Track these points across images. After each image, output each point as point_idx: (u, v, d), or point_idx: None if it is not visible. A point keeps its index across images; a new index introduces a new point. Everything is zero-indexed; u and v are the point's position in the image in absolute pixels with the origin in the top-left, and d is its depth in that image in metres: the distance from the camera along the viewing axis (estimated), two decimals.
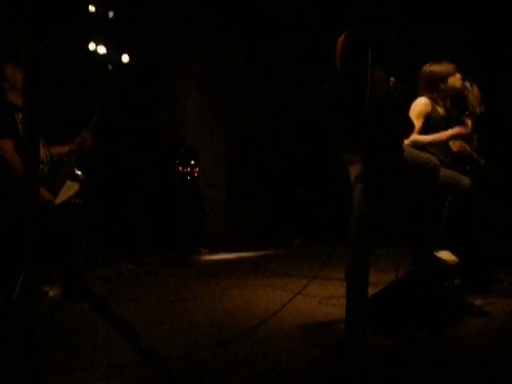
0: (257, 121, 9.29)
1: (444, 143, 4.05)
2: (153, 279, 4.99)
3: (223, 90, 8.81)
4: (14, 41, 4.10)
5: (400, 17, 6.33)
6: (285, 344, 2.79)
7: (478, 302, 3.32)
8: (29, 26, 1.51)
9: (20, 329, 1.61)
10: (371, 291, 2.98)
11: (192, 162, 7.43)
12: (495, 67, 6.32)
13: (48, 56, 4.86)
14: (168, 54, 8.20)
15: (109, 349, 2.69)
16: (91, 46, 6.53)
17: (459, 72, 4.10)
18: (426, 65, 4.11)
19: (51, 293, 4.03)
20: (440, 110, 4.06)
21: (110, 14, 6.46)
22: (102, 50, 6.60)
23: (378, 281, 3.30)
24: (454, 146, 4.18)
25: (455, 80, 4.06)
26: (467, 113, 4.04)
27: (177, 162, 7.32)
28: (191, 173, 7.42)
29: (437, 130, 3.94)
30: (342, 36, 2.88)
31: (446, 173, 3.73)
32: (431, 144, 3.90)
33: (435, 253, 3.68)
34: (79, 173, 4.20)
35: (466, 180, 3.85)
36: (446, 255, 3.68)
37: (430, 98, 4.04)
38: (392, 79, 2.92)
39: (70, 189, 3.95)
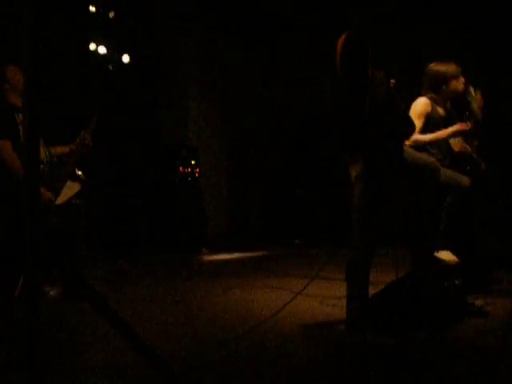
0: (257, 121, 9.29)
1: (445, 143, 4.04)
2: (153, 279, 5.00)
3: (223, 90, 8.81)
4: (14, 41, 4.11)
5: (400, 17, 6.33)
6: (285, 344, 2.80)
7: (478, 302, 3.32)
8: (29, 26, 1.51)
9: (20, 329, 1.61)
10: (371, 291, 2.98)
11: (193, 162, 7.43)
12: (495, 67, 6.31)
13: (48, 56, 4.87)
14: (168, 54, 8.21)
15: (109, 349, 2.69)
16: (92, 46, 6.53)
17: (464, 76, 4.07)
18: (432, 63, 4.07)
19: (52, 293, 4.04)
20: (440, 111, 4.06)
21: (111, 15, 6.46)
22: (102, 50, 6.61)
23: (379, 281, 3.30)
24: (456, 146, 4.18)
25: (458, 83, 4.03)
26: (467, 113, 4.04)
27: (177, 162, 7.32)
28: (192, 173, 7.42)
29: (436, 131, 3.95)
30: (343, 36, 2.88)
31: (445, 173, 3.73)
32: (431, 143, 3.90)
33: (435, 253, 3.68)
34: (80, 173, 4.20)
35: (465, 180, 3.85)
36: (446, 255, 3.68)
37: (431, 98, 4.04)
38: (392, 80, 2.92)
39: (70, 189, 3.95)
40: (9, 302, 3.40)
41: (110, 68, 6.29)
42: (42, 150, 3.88)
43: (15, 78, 3.80)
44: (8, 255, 3.50)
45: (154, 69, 7.99)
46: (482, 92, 4.14)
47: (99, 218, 5.80)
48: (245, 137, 9.24)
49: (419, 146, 3.76)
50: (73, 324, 3.30)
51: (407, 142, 3.73)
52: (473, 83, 4.14)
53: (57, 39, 5.46)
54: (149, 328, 3.13)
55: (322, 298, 3.82)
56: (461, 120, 4.06)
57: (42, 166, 3.86)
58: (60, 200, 3.86)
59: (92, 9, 6.32)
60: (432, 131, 3.94)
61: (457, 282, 3.12)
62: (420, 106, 4.00)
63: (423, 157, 3.36)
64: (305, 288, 3.41)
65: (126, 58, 6.91)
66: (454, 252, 3.75)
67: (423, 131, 3.92)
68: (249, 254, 6.77)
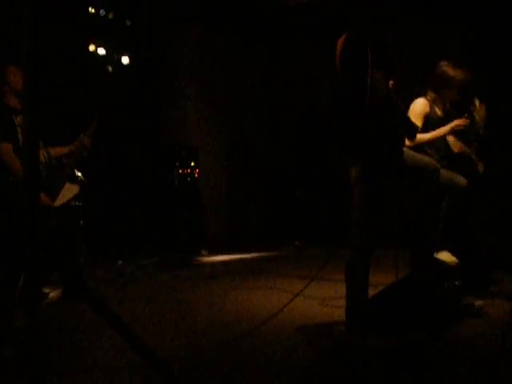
0: (257, 121, 9.29)
1: (442, 144, 4.04)
2: (153, 280, 5.00)
3: (223, 90, 8.81)
4: (14, 41, 4.11)
5: (400, 17, 6.33)
6: (285, 345, 2.80)
7: (477, 303, 3.32)
8: (29, 27, 1.51)
9: (21, 329, 1.61)
10: (371, 292, 2.98)
11: (192, 164, 7.42)
12: (495, 67, 6.31)
13: (48, 57, 4.87)
14: (168, 54, 8.20)
15: (108, 349, 2.69)
16: (91, 48, 6.52)
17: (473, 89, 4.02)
18: (444, 62, 4.00)
19: (52, 294, 4.04)
20: (438, 111, 4.06)
21: (110, 16, 6.46)
22: (102, 51, 6.60)
23: (378, 282, 3.29)
24: (455, 146, 4.18)
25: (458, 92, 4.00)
26: (466, 115, 4.03)
27: (177, 163, 7.32)
28: (191, 173, 7.42)
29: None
30: (342, 37, 2.88)
31: (442, 173, 3.73)
32: (430, 142, 3.89)
33: (435, 254, 3.68)
34: (79, 174, 4.20)
35: (462, 180, 3.85)
36: (445, 256, 3.68)
37: (430, 99, 4.04)
38: (391, 82, 2.92)
39: (69, 191, 3.95)
40: (9, 302, 3.40)
41: (110, 69, 6.29)
42: (40, 151, 3.89)
43: (15, 80, 3.80)
44: (8, 256, 3.50)
45: (154, 69, 7.99)
46: (486, 105, 4.10)
47: (98, 219, 5.79)
48: (245, 137, 9.24)
49: (417, 147, 3.75)
50: (72, 325, 3.31)
51: (407, 143, 3.73)
52: (479, 96, 4.11)
53: (56, 40, 5.45)
54: (148, 328, 3.13)
55: (321, 299, 3.82)
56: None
57: (40, 168, 3.87)
58: (58, 202, 3.87)
59: (91, 10, 6.32)
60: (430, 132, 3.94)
61: (456, 283, 3.12)
62: (418, 106, 4.00)
63: (423, 158, 3.36)
64: (304, 289, 3.41)
65: (125, 59, 6.91)
66: (453, 253, 3.75)
67: (422, 132, 3.92)
68: (248, 255, 6.77)
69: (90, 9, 6.29)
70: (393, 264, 2.95)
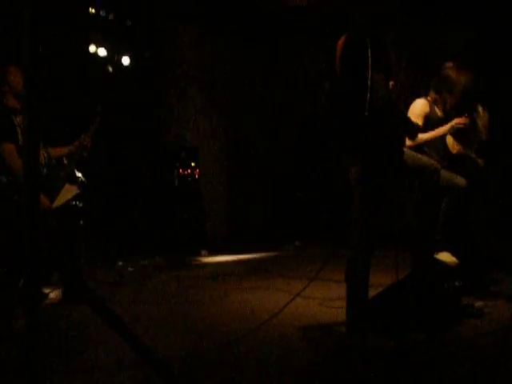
0: (257, 121, 9.29)
1: (441, 144, 4.04)
2: (153, 281, 5.00)
3: (223, 90, 8.81)
4: (14, 41, 4.11)
5: (400, 17, 6.33)
6: (285, 346, 2.80)
7: (477, 304, 3.32)
8: (29, 27, 1.51)
9: (20, 330, 1.61)
10: (371, 293, 2.98)
11: (192, 164, 7.42)
12: (495, 67, 6.31)
13: (48, 58, 4.87)
14: (168, 54, 8.20)
15: (108, 350, 2.69)
16: (91, 48, 6.52)
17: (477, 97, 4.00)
18: (450, 64, 3.96)
19: (52, 294, 4.04)
20: (438, 112, 4.06)
21: (111, 16, 6.46)
22: (102, 51, 6.60)
23: (379, 282, 3.30)
24: (453, 148, 4.18)
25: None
26: (466, 114, 4.03)
27: (177, 163, 7.31)
28: (191, 174, 7.42)
29: None
30: (342, 38, 2.88)
31: (442, 174, 3.72)
32: (430, 142, 3.89)
33: (435, 255, 3.68)
34: (80, 175, 4.20)
35: (461, 181, 3.85)
36: (445, 257, 3.68)
37: (430, 99, 4.03)
38: (391, 82, 2.92)
39: (68, 192, 3.96)
40: (9, 302, 3.40)
41: (110, 70, 6.28)
42: (40, 151, 3.89)
43: (15, 81, 3.80)
44: (8, 256, 3.50)
45: (154, 69, 7.98)
46: (489, 112, 4.09)
47: (99, 220, 5.79)
48: (245, 137, 9.23)
49: (417, 147, 3.75)
50: (72, 325, 3.31)
51: (407, 143, 3.73)
52: (482, 103, 4.09)
53: (57, 41, 5.46)
54: (149, 328, 3.13)
55: (321, 300, 3.82)
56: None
57: (40, 169, 3.87)
58: (57, 203, 3.87)
59: (92, 10, 6.31)
60: None
61: (457, 283, 3.12)
62: (418, 106, 4.00)
63: (423, 158, 3.36)
64: (304, 289, 3.41)
65: (125, 60, 6.90)
66: (453, 253, 3.75)
67: (422, 132, 3.92)
68: (248, 256, 6.77)
69: (90, 9, 6.29)
70: (393, 264, 2.95)
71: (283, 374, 2.39)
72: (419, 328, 2.83)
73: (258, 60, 9.17)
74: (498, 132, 4.20)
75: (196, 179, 7.46)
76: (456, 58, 4.02)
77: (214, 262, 6.43)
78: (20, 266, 3.34)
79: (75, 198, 3.99)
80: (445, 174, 3.81)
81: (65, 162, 4.11)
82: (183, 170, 7.30)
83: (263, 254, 6.86)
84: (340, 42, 2.88)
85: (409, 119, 3.54)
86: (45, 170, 3.93)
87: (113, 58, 6.75)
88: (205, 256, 6.87)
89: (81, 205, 4.02)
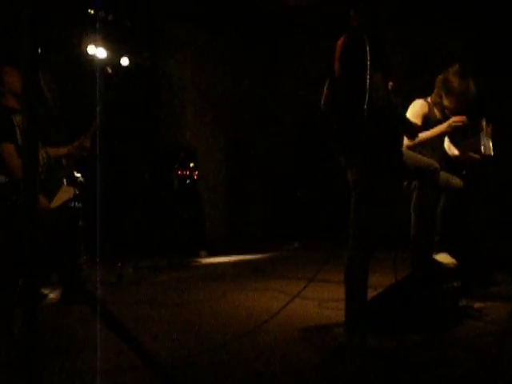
0: (257, 121, 9.29)
1: (439, 144, 4.04)
2: (152, 282, 5.00)
3: (223, 91, 8.81)
4: (13, 42, 4.11)
5: (400, 17, 6.33)
6: (284, 347, 2.79)
7: (476, 305, 3.32)
8: (28, 27, 1.51)
9: (20, 330, 1.61)
10: (370, 294, 2.97)
11: (191, 165, 7.42)
12: (495, 67, 6.31)
13: (48, 58, 4.87)
14: (168, 54, 8.20)
15: (108, 350, 2.69)
16: (90, 49, 6.51)
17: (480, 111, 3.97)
18: (454, 68, 3.89)
19: (50, 295, 4.04)
20: (437, 114, 4.04)
21: (110, 17, 6.46)
22: (101, 52, 6.59)
23: (377, 283, 3.29)
24: (451, 150, 4.19)
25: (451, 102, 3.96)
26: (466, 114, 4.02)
27: (176, 164, 7.31)
28: (190, 175, 7.41)
29: None
30: (342, 38, 2.88)
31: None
32: (428, 142, 3.87)
33: (434, 255, 3.67)
34: (79, 175, 4.20)
35: (458, 181, 3.85)
36: (444, 258, 3.68)
37: (431, 100, 4.03)
38: (390, 83, 2.92)
39: (65, 193, 3.96)
40: (9, 302, 3.41)
41: (109, 71, 6.28)
42: (39, 151, 3.89)
43: (11, 81, 3.80)
44: (8, 256, 3.50)
45: (153, 70, 7.98)
46: (492, 127, 4.07)
47: (98, 220, 5.78)
48: (245, 137, 9.23)
49: (415, 148, 3.74)
50: (71, 325, 3.31)
51: (407, 143, 3.73)
52: (486, 118, 4.08)
53: (56, 42, 5.46)
54: (148, 329, 3.13)
55: (320, 301, 3.81)
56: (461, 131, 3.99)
57: (39, 169, 3.87)
58: (54, 204, 3.87)
59: (90, 11, 6.31)
60: None
61: (455, 284, 3.12)
62: (417, 107, 4.00)
63: (423, 158, 3.35)
64: (303, 290, 3.40)
65: (124, 61, 6.90)
66: (452, 254, 3.74)
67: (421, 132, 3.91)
68: (247, 257, 6.76)
69: (89, 10, 6.28)
70: (392, 265, 2.95)
71: (282, 374, 2.38)
72: (418, 329, 2.83)
73: (257, 60, 9.17)
74: (497, 132, 4.19)
75: (195, 180, 7.46)
76: (462, 63, 3.97)
77: (214, 263, 6.42)
78: (19, 267, 3.34)
79: (74, 198, 3.99)
80: (442, 174, 3.81)
81: (64, 162, 4.11)
82: (182, 171, 7.30)
83: (262, 255, 6.86)
84: (339, 42, 2.88)
85: (408, 119, 3.54)
86: (44, 170, 3.93)
87: (112, 58, 6.75)
88: (204, 257, 6.87)
89: (79, 205, 4.02)
